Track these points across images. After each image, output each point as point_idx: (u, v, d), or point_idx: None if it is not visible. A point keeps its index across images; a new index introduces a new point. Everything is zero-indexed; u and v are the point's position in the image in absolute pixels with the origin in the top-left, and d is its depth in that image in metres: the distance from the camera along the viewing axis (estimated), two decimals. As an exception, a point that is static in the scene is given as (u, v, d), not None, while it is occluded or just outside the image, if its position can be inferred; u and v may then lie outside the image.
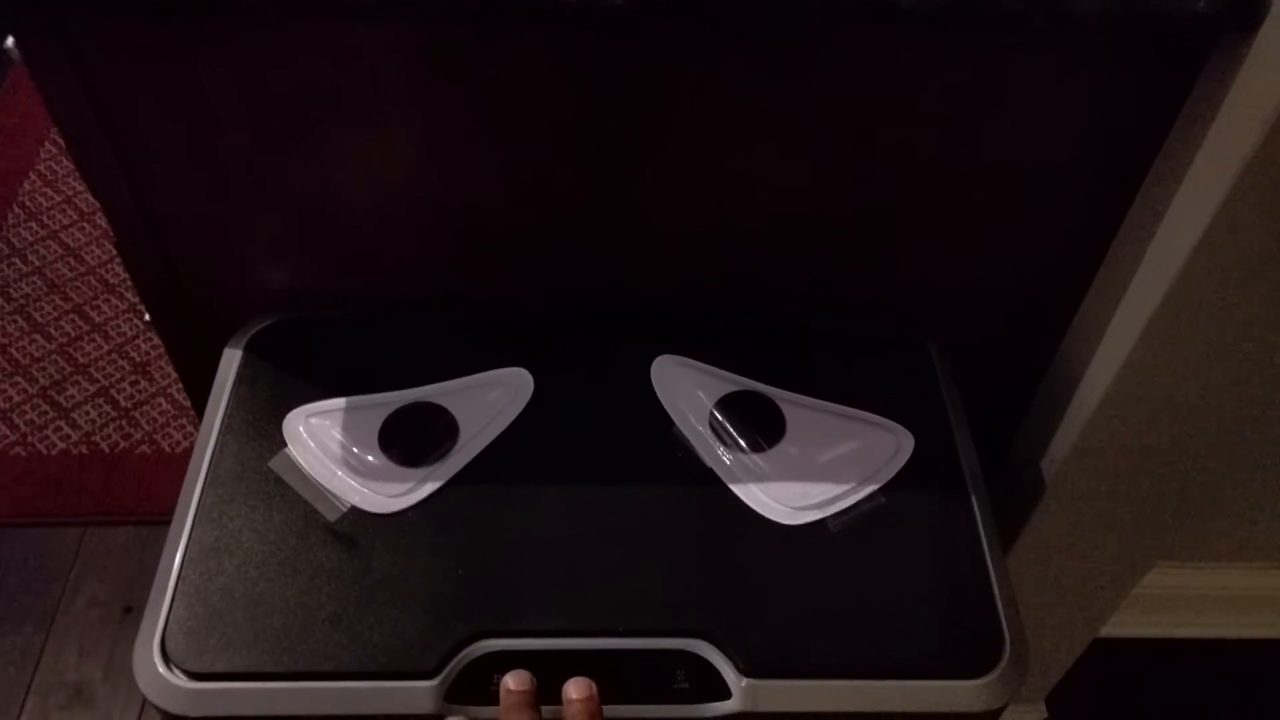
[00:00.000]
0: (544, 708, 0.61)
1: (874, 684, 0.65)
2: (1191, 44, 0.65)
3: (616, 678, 0.63)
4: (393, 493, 0.71)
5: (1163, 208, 0.71)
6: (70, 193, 1.85)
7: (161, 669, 0.63)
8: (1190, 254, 0.68)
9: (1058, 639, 1.12)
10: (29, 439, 1.53)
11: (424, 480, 0.72)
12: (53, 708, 1.30)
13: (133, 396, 1.58)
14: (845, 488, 0.73)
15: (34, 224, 1.80)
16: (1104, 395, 0.79)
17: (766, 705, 0.64)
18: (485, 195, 0.76)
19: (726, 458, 0.74)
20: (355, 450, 0.73)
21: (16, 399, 1.57)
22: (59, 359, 1.62)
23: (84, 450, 1.52)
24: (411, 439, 0.74)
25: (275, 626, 0.64)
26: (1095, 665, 1.20)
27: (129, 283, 1.54)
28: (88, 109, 0.69)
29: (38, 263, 1.75)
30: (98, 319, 1.68)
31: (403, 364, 0.78)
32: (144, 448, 1.53)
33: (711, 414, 0.76)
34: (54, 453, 1.52)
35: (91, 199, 0.77)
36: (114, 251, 0.97)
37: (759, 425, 0.76)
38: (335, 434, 0.74)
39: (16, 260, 1.75)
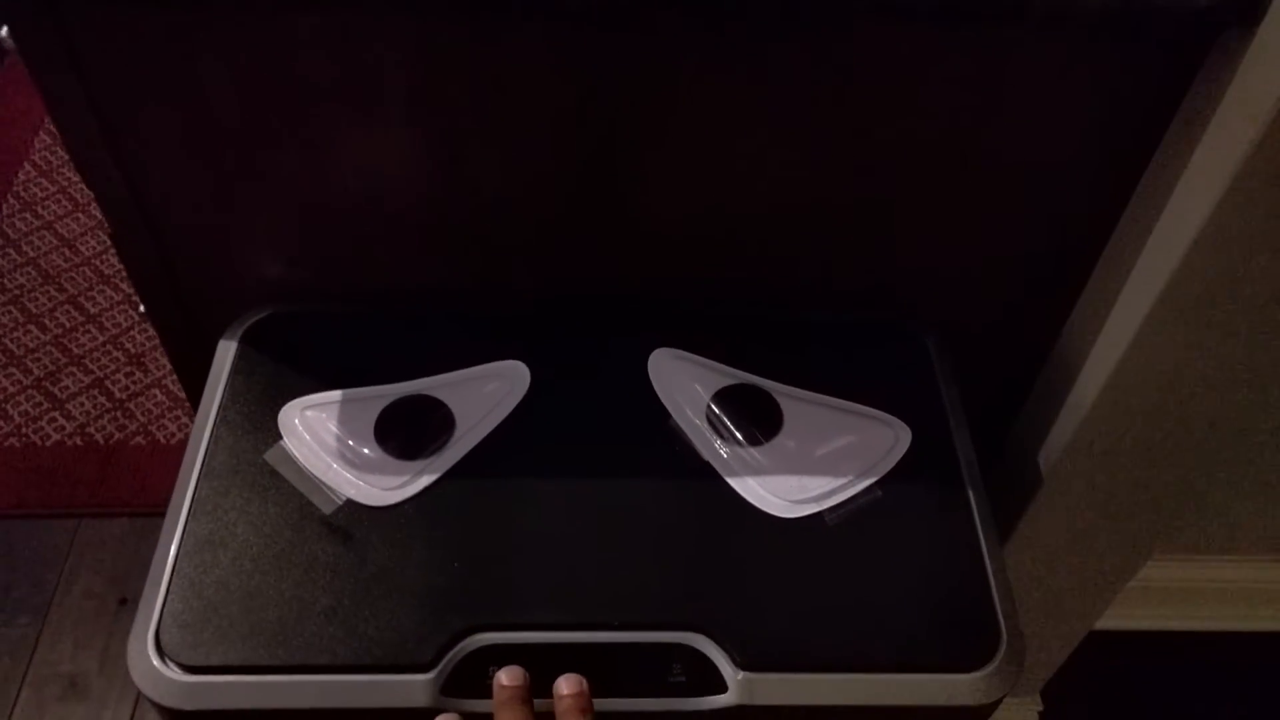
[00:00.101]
0: (536, 701, 0.61)
1: (870, 677, 0.65)
2: (1192, 38, 0.65)
3: (613, 671, 0.63)
4: (388, 485, 0.71)
5: (1162, 201, 0.70)
6: (65, 183, 1.84)
7: (156, 662, 0.63)
8: (1189, 248, 0.68)
9: (1053, 631, 1.12)
10: (23, 430, 1.52)
11: (420, 473, 0.71)
12: (48, 699, 1.30)
13: (127, 388, 1.58)
14: (842, 481, 0.73)
15: (28, 214, 1.79)
16: (1102, 388, 0.79)
17: (763, 699, 0.64)
18: (482, 187, 0.76)
19: (723, 451, 0.74)
20: (351, 443, 0.73)
21: (11, 390, 1.57)
22: (53, 350, 1.62)
23: (79, 441, 1.52)
24: (407, 432, 0.73)
25: (270, 619, 0.64)
26: (1091, 658, 1.20)
27: (124, 274, 1.54)
28: (83, 100, 0.69)
29: (32, 253, 1.74)
30: (92, 310, 1.67)
31: (399, 356, 0.77)
32: (139, 439, 1.52)
33: (708, 407, 0.76)
34: (48, 444, 1.51)
35: (86, 190, 0.76)
36: (109, 243, 0.96)
37: (756, 418, 0.75)
38: (331, 426, 0.74)
39: (11, 251, 1.74)
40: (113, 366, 1.60)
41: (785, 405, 0.76)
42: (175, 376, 1.47)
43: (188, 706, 0.62)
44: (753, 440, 0.74)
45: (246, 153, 0.73)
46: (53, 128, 1.89)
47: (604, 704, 0.62)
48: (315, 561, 0.67)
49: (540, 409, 0.75)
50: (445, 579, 0.66)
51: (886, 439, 0.75)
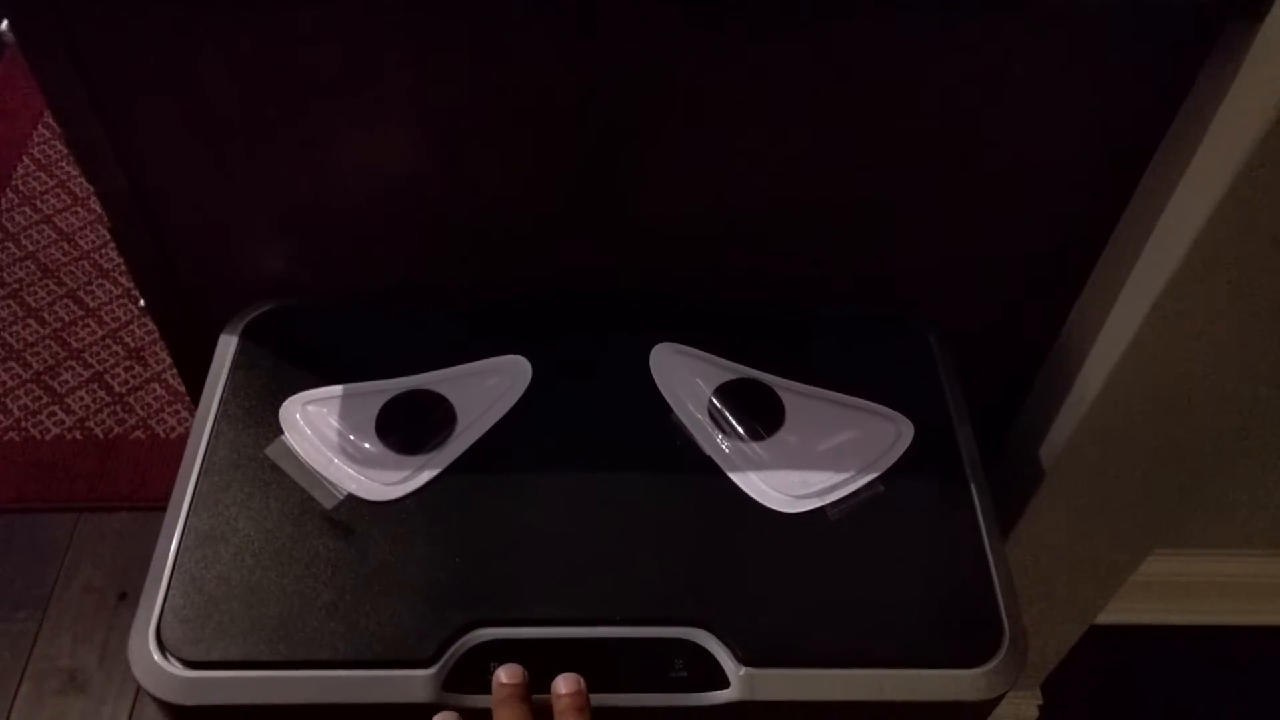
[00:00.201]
0: (536, 697, 0.61)
1: (872, 673, 0.64)
2: (1195, 35, 0.65)
3: (614, 667, 0.63)
4: (389, 480, 0.71)
5: (1164, 198, 0.70)
6: (64, 177, 1.84)
7: (157, 657, 0.63)
8: (1191, 245, 0.68)
9: (1054, 626, 1.12)
10: (23, 424, 1.52)
11: (421, 468, 0.71)
12: (47, 693, 1.30)
13: (127, 382, 1.58)
14: (844, 476, 0.72)
15: (28, 208, 1.79)
16: (1103, 384, 0.79)
17: (765, 694, 0.64)
18: (483, 182, 0.76)
19: (725, 446, 0.74)
20: (352, 437, 0.73)
21: (10, 384, 1.57)
22: (53, 344, 1.62)
23: (78, 435, 1.52)
24: (409, 426, 0.73)
25: (271, 615, 0.64)
26: (1091, 652, 1.20)
27: (123, 268, 1.54)
28: (82, 93, 0.68)
29: (31, 247, 1.74)
30: (92, 304, 1.67)
31: (400, 351, 0.77)
32: (138, 433, 1.52)
33: (710, 402, 0.76)
34: (48, 438, 1.51)
35: (86, 184, 0.76)
36: (108, 237, 0.96)
37: (758, 413, 0.75)
38: (332, 421, 0.74)
39: (10, 245, 1.74)
40: (112, 361, 1.60)
41: (787, 400, 0.76)
42: (175, 371, 1.47)
43: (188, 702, 0.62)
44: (754, 435, 0.74)
45: (246, 147, 0.73)
46: (52, 121, 1.89)
47: (606, 699, 0.62)
48: (316, 557, 0.67)
49: (541, 404, 0.75)
50: (446, 574, 0.66)
51: (889, 434, 0.75)
